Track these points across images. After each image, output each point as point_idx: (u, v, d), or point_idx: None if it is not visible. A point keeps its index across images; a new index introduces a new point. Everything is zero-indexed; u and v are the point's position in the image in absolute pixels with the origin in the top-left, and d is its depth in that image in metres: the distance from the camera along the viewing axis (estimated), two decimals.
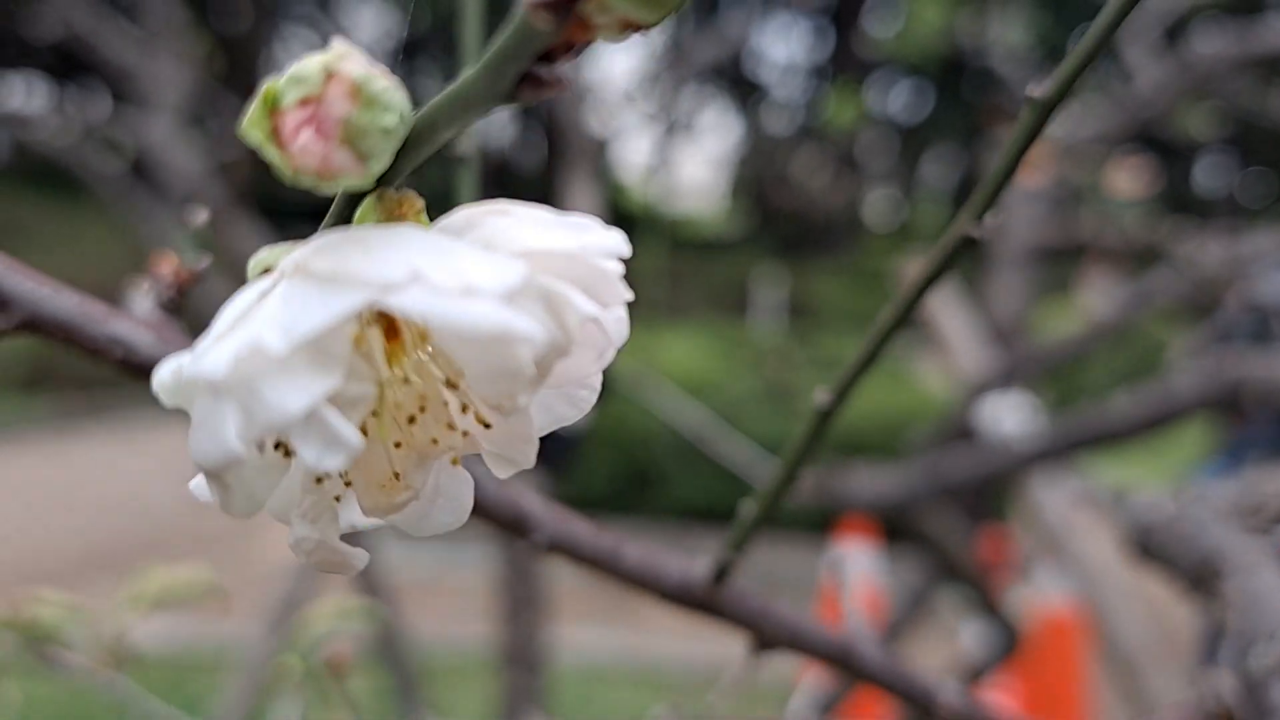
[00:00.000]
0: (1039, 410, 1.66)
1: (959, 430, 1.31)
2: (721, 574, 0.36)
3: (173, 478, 6.32)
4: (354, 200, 0.26)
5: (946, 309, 1.62)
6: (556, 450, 1.89)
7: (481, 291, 0.21)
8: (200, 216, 0.40)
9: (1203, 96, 2.12)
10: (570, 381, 0.29)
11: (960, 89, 21.83)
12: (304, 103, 0.22)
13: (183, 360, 0.23)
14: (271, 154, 0.23)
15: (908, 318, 0.35)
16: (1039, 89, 0.35)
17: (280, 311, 0.22)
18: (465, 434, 0.27)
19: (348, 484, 0.27)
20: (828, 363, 6.89)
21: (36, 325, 0.31)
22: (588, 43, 0.23)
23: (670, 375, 5.82)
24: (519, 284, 0.22)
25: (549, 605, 1.94)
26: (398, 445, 0.27)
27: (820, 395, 0.36)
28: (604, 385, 0.30)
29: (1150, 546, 0.53)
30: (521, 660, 1.59)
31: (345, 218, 0.26)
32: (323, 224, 0.26)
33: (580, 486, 5.39)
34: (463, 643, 4.42)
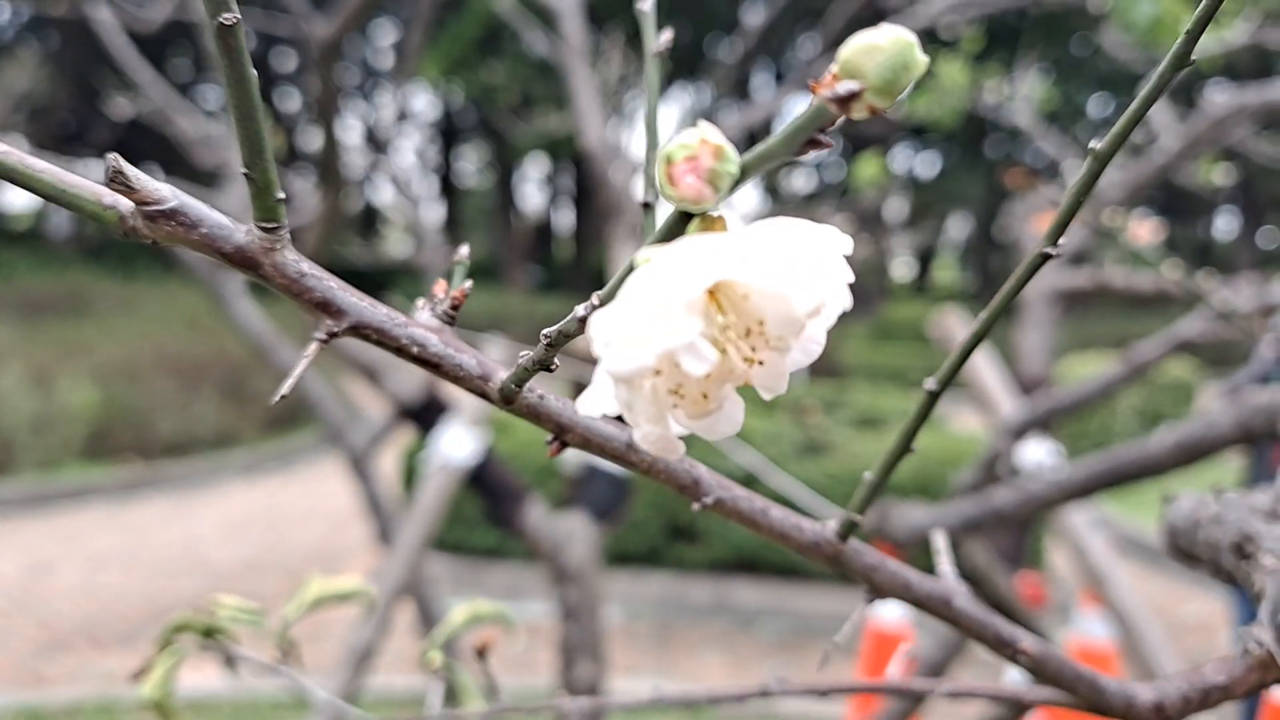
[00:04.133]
0: (1063, 455, 1.68)
1: (997, 474, 1.33)
2: (846, 533, 0.41)
3: (227, 539, 6.45)
4: (685, 217, 0.37)
5: (984, 363, 1.64)
6: (609, 502, 1.93)
7: (790, 267, 0.34)
8: (463, 253, 0.48)
9: (1219, 150, 2.15)
10: (809, 338, 0.40)
11: (981, 149, 21.92)
12: (688, 159, 0.35)
13: (608, 312, 0.35)
14: (667, 189, 0.35)
15: (1007, 308, 0.40)
16: (1099, 143, 0.39)
17: (670, 282, 0.34)
18: (750, 364, 0.38)
19: (678, 400, 0.39)
20: (860, 418, 6.88)
21: (359, 329, 0.37)
22: (849, 118, 0.34)
23: None
24: (808, 266, 0.35)
25: (605, 655, 1.96)
26: (707, 376, 0.38)
27: (929, 382, 0.41)
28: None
29: (1195, 541, 0.57)
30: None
31: (679, 228, 0.37)
32: (657, 230, 0.38)
33: (620, 541, 5.40)
34: (521, 689, 4.41)
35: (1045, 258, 0.39)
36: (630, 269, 0.36)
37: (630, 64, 3.51)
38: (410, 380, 1.83)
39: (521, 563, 5.79)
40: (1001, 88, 3.03)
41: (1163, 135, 1.90)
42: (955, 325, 1.66)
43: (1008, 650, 0.43)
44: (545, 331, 0.40)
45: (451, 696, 0.80)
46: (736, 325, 0.38)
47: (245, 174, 0.36)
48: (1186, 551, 0.60)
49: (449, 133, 28.82)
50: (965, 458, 5.47)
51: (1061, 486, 0.94)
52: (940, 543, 0.49)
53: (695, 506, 0.43)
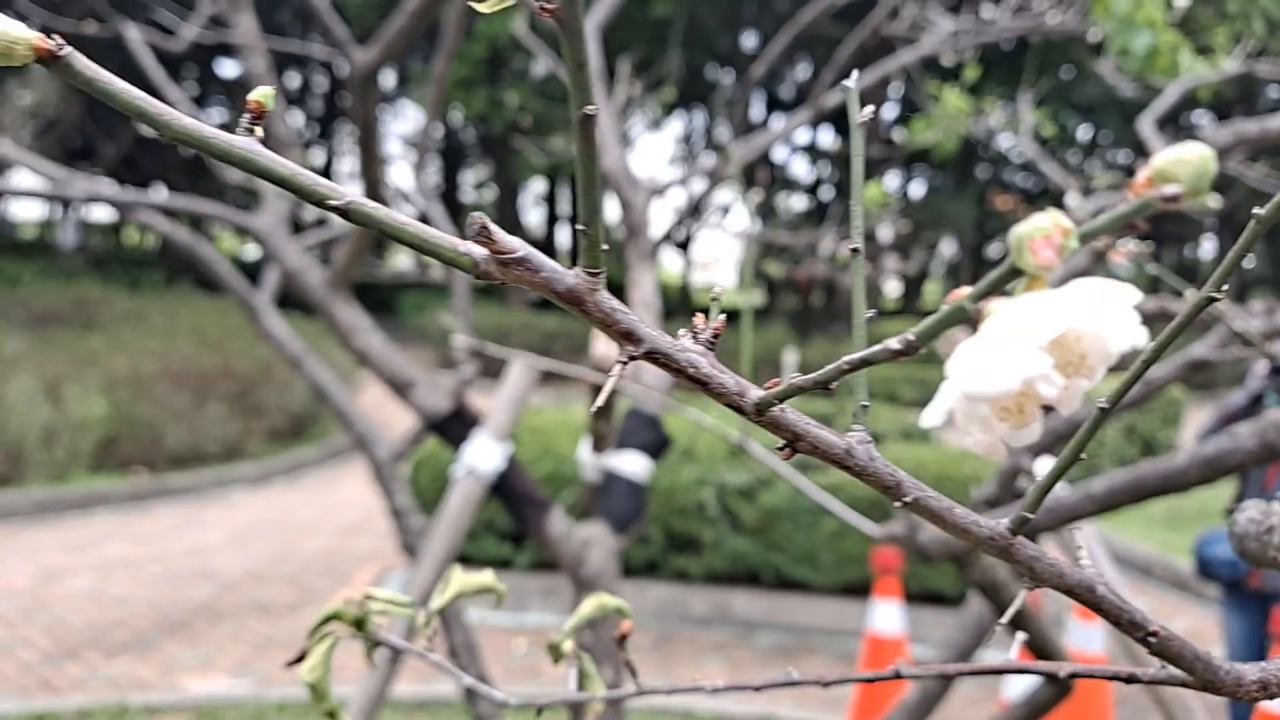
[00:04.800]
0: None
1: (1017, 489, 1.36)
2: (1017, 529, 0.45)
3: (234, 548, 6.45)
4: (1015, 272, 0.44)
5: None
6: (628, 511, 1.95)
7: (1109, 315, 0.44)
8: (717, 290, 0.52)
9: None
10: (1094, 371, 0.48)
11: (971, 173, 22.05)
12: (1045, 237, 0.42)
13: (972, 347, 0.45)
14: (1026, 258, 0.42)
15: (1176, 339, 0.44)
16: (1260, 210, 0.44)
17: (1031, 327, 0.43)
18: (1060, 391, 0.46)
19: (1004, 415, 0.47)
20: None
21: (651, 355, 0.41)
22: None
23: (712, 440, 5.87)
24: (1118, 314, 0.45)
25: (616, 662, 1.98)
26: (1024, 395, 0.46)
27: (1100, 401, 0.46)
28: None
29: (1268, 545, 0.61)
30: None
31: (1004, 280, 0.44)
32: (988, 282, 0.44)
33: (625, 551, 5.42)
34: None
35: (1210, 300, 0.45)
36: (955, 313, 0.44)
37: (636, 90, 3.55)
38: (436, 394, 1.86)
39: (525, 573, 5.81)
40: (1001, 115, 3.07)
41: None
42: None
43: (1140, 633, 0.48)
44: (847, 359, 0.45)
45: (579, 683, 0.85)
46: (1060, 358, 0.46)
47: (582, 230, 0.40)
48: (1257, 555, 0.66)
49: (448, 152, 28.93)
50: (960, 472, 5.50)
51: (1094, 499, 0.97)
52: (1079, 539, 0.53)
53: (896, 504, 0.48)
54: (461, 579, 0.81)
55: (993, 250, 25.60)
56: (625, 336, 0.42)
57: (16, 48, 0.35)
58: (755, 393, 0.44)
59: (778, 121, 22.00)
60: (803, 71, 24.73)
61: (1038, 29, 2.85)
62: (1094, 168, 21.64)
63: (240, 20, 1.93)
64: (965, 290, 0.44)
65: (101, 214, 45.63)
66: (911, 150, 3.62)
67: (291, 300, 2.65)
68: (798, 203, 26.19)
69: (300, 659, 0.75)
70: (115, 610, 5.43)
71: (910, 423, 7.46)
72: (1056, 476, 0.47)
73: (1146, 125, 2.31)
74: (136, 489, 7.75)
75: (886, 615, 3.93)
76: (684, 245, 31.37)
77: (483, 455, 1.80)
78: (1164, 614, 6.01)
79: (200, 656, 4.85)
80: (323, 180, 0.39)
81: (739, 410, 0.44)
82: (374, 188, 1.61)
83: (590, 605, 0.82)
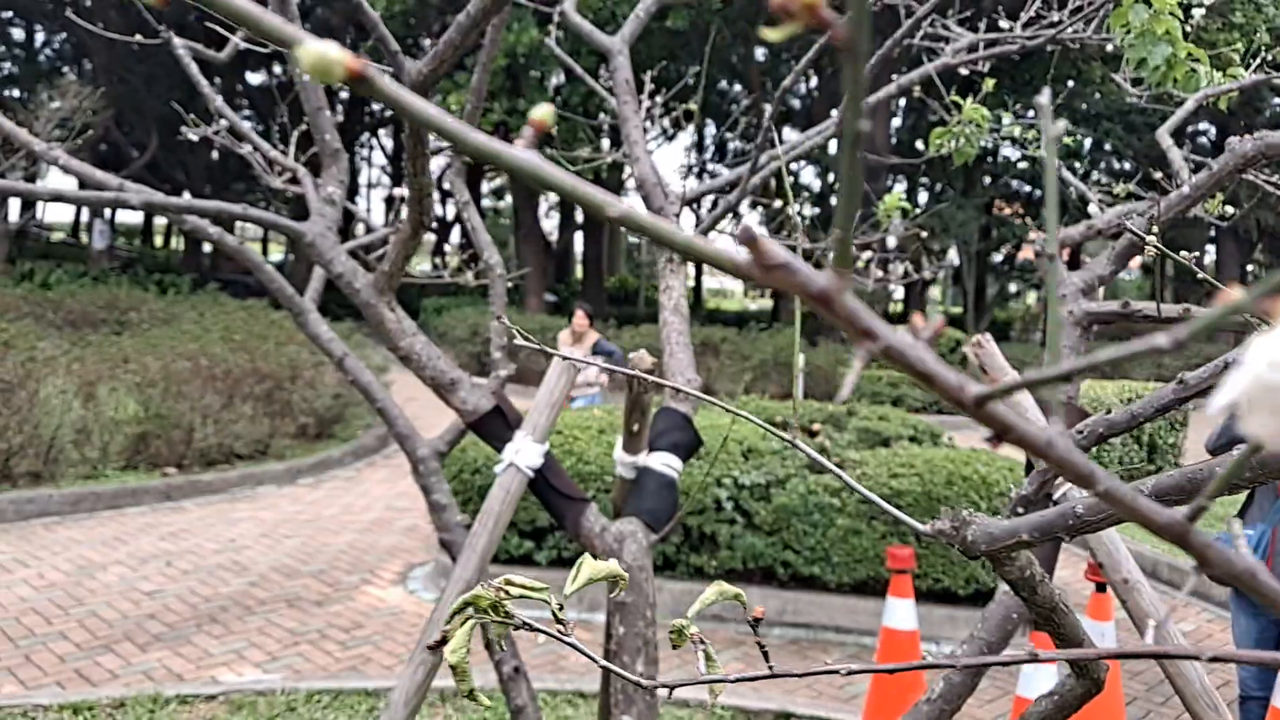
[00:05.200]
0: None
1: (1052, 488, 1.37)
2: (1194, 516, 0.47)
3: (262, 544, 6.48)
4: None
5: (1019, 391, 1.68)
6: (661, 507, 1.97)
7: None
8: (933, 294, 0.53)
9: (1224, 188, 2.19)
10: None
11: (976, 181, 22.01)
12: None
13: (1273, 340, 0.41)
14: None
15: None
16: None
17: None
18: None
19: None
20: (865, 437, 6.92)
21: (888, 352, 0.43)
22: None
23: (729, 441, 5.88)
24: None
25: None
26: None
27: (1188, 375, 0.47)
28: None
29: None
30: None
31: None
32: (1271, 282, 0.41)
33: None
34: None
35: None
36: (1233, 311, 0.43)
37: (657, 102, 3.57)
38: (478, 394, 1.88)
39: (546, 569, 5.83)
40: (1017, 126, 3.08)
41: (1181, 173, 1.95)
42: (995, 350, 1.70)
43: None
44: (1185, 375, 0.46)
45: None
46: None
47: (839, 236, 0.42)
48: None
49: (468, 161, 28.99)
50: (968, 471, 5.50)
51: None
52: (1235, 527, 0.55)
53: (1087, 493, 0.49)
54: (591, 566, 0.82)
55: (996, 257, 25.54)
56: (865, 334, 0.44)
57: (334, 67, 0.37)
58: (974, 389, 0.46)
59: (791, 133, 21.98)
60: (805, 82, 24.78)
61: (1054, 40, 2.86)
62: (1096, 177, 21.58)
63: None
64: (1235, 290, 0.44)
65: (129, 218, 45.91)
66: (920, 159, 3.62)
67: (321, 307, 2.69)
68: (807, 210, 26.19)
69: (442, 642, 0.77)
70: (148, 604, 5.47)
71: (915, 424, 7.45)
72: (1234, 473, 0.49)
73: (1165, 135, 2.32)
74: (168, 485, 7.80)
75: (901, 612, 3.94)
76: None
77: (523, 453, 1.82)
78: (1172, 615, 5.99)
79: (232, 649, 4.89)
80: (602, 191, 0.41)
81: (959, 404, 0.46)
82: (421, 195, 1.63)
83: (712, 592, 0.84)
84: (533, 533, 5.88)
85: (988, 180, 22.86)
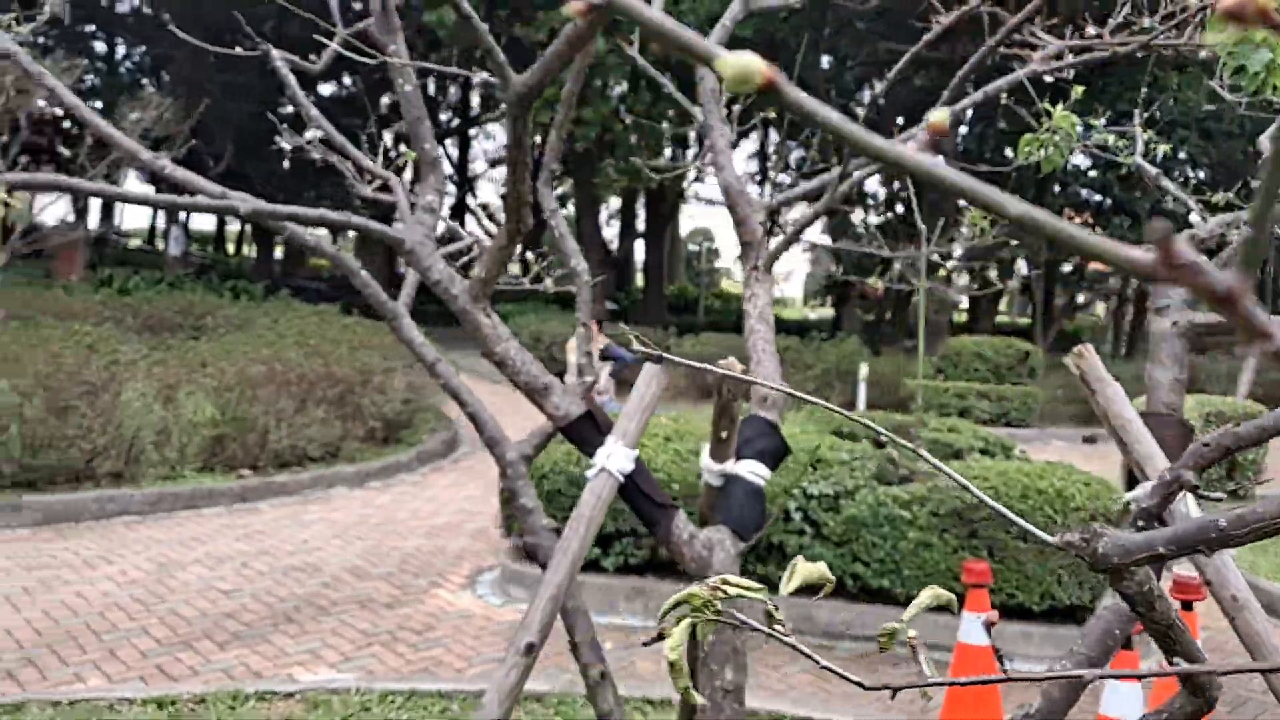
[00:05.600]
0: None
1: (1156, 514, 1.34)
2: None
3: (335, 544, 6.54)
4: None
5: (1119, 396, 1.65)
6: (750, 515, 1.96)
7: None
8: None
9: None
10: None
11: (1048, 191, 21.65)
12: None
13: None
14: None
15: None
16: None
17: None
18: None
19: None
20: (935, 444, 6.83)
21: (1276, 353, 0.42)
22: None
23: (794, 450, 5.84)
24: None
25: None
26: None
27: None
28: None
29: None
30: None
31: None
32: None
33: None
34: None
35: None
36: None
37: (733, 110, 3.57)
38: (569, 399, 1.89)
39: (612, 576, 5.84)
40: (1106, 134, 3.02)
41: None
42: (1096, 360, 1.67)
43: None
44: None
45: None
46: None
47: (1252, 235, 0.42)
48: None
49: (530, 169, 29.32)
50: (1043, 486, 5.39)
51: (1247, 525, 0.94)
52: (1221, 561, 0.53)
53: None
54: (804, 568, 0.83)
55: (1065, 267, 25.05)
56: (1264, 336, 0.43)
57: (754, 76, 0.38)
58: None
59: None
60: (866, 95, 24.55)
61: (1146, 47, 2.80)
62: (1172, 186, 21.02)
63: (394, 42, 1.99)
64: None
65: (203, 224, 46.99)
66: (1009, 167, 3.57)
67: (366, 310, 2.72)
68: (872, 219, 25.98)
69: (659, 638, 0.78)
70: (226, 603, 5.59)
71: (986, 436, 7.33)
72: None
73: (1267, 141, 2.25)
74: (243, 487, 7.97)
75: (976, 627, 3.87)
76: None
77: (615, 458, 1.83)
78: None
79: (307, 648, 4.96)
80: (998, 191, 0.41)
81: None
82: (520, 203, 1.64)
83: (926, 596, 0.84)
84: (600, 539, 5.90)
85: (1056, 189, 22.48)
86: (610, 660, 5.01)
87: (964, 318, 26.98)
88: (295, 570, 6.24)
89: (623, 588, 5.81)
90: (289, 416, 8.43)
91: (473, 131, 36.97)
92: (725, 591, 0.80)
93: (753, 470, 1.98)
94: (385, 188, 2.56)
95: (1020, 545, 5.32)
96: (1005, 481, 5.51)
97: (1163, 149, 3.06)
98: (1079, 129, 2.66)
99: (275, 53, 2.49)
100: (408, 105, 1.97)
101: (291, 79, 2.49)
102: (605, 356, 8.38)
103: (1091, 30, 3.07)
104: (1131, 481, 1.76)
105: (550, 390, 1.90)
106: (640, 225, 31.43)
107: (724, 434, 1.93)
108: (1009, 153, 20.51)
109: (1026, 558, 5.31)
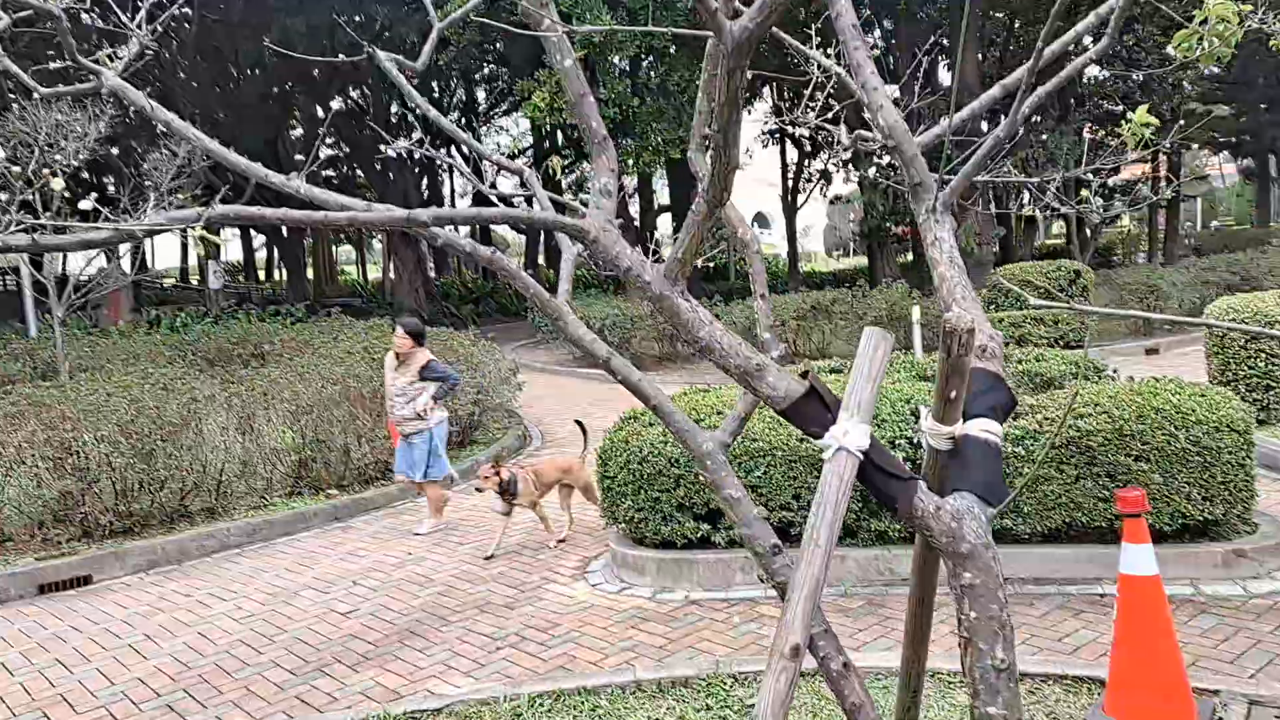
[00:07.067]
0: None
1: None
2: None
3: (438, 554, 6.39)
4: None
5: None
6: (992, 478, 1.80)
7: None
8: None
9: None
10: None
11: (1070, 107, 21.14)
12: None
13: None
14: None
15: None
16: None
17: None
18: None
19: None
20: (1025, 374, 6.61)
21: None
22: None
23: (898, 402, 5.66)
24: None
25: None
26: None
27: None
28: None
29: None
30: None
31: None
32: None
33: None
34: None
35: None
36: None
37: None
38: (788, 379, 1.72)
39: (726, 550, 5.70)
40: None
41: None
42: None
43: None
44: None
45: None
46: None
47: None
48: None
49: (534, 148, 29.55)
50: (1158, 404, 5.17)
51: None
52: None
53: None
54: None
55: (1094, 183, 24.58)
56: None
57: None
58: None
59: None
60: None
61: None
62: None
63: (548, 16, 1.81)
64: None
65: (232, 254, 47.15)
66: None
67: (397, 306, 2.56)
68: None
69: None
70: (347, 624, 5.50)
71: (1076, 360, 7.08)
72: None
73: None
74: (335, 507, 7.89)
75: (1141, 557, 3.68)
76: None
77: (851, 435, 1.67)
78: None
79: (437, 660, 4.86)
80: None
81: None
82: (728, 170, 1.48)
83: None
84: (707, 515, 5.75)
85: (1070, 103, 21.97)
86: (738, 635, 4.87)
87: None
88: (407, 583, 6.15)
89: (737, 561, 5.66)
90: (368, 432, 8.34)
91: (483, 130, 36.86)
92: None
93: (984, 428, 1.80)
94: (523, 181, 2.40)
95: (1143, 467, 5.11)
96: (1117, 404, 5.29)
97: None
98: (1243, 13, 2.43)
99: (382, 55, 2.33)
100: (569, 82, 1.80)
101: (403, 80, 2.33)
102: (427, 376, 7.03)
103: None
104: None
105: (764, 371, 1.73)
106: (666, 199, 31.26)
107: (953, 393, 1.75)
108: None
109: (1152, 479, 5.10)
